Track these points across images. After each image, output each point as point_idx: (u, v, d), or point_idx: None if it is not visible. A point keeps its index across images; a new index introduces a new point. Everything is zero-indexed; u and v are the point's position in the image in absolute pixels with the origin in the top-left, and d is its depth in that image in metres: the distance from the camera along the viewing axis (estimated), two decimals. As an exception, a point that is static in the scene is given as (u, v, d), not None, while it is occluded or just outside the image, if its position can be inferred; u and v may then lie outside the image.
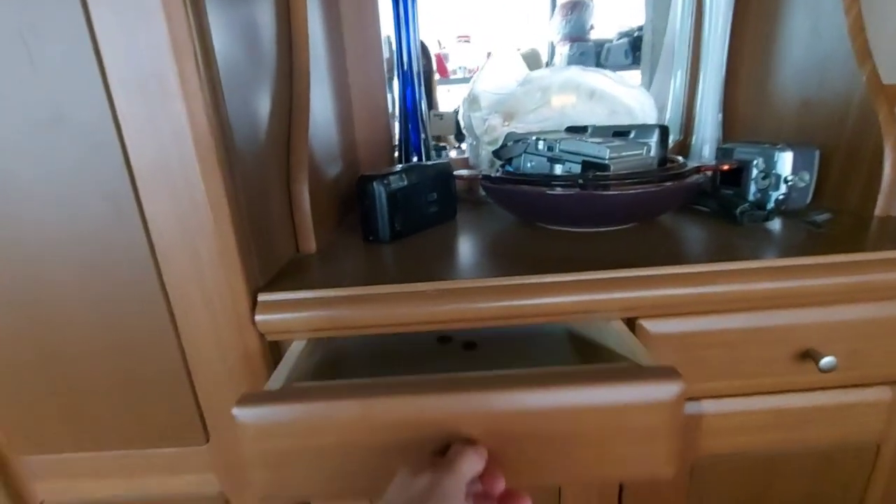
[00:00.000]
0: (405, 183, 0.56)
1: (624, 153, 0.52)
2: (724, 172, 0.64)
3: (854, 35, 0.56)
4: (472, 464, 0.31)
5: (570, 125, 0.67)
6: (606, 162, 0.51)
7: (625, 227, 0.56)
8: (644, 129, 0.58)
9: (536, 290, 0.42)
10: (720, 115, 0.76)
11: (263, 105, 0.47)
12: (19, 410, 0.45)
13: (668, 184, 0.52)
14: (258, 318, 0.42)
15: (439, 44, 1.00)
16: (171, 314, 0.42)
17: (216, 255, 0.40)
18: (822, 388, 0.48)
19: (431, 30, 0.89)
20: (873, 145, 0.54)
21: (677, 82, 0.82)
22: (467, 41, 1.01)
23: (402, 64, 0.69)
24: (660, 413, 0.34)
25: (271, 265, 0.47)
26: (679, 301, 0.43)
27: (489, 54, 0.88)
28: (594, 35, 0.99)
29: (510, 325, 0.44)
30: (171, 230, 0.40)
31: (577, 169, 0.54)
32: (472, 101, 0.71)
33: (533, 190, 0.53)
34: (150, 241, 0.40)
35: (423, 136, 0.72)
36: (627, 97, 0.72)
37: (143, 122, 0.37)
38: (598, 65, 0.97)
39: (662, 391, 0.34)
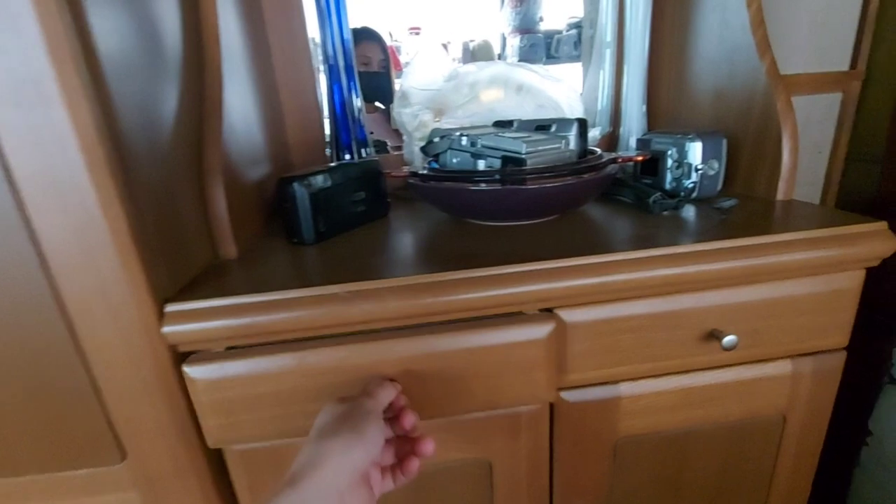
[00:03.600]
0: (329, 183, 0.56)
1: (541, 147, 0.54)
2: (643, 163, 0.66)
3: (755, 27, 0.59)
4: (387, 392, 0.39)
5: (497, 120, 0.67)
6: (523, 156, 0.52)
7: (548, 218, 0.58)
8: (564, 123, 0.59)
9: (450, 287, 0.43)
10: (644, 108, 0.79)
11: (167, 106, 0.46)
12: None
13: (585, 176, 0.53)
14: (165, 329, 0.41)
15: (391, 36, 0.98)
16: (71, 329, 0.40)
17: (118, 267, 0.39)
18: (727, 366, 0.51)
19: (383, 22, 0.87)
20: (775, 133, 0.57)
21: (605, 76, 0.84)
22: (418, 33, 1.00)
23: (328, 59, 0.68)
24: (537, 348, 0.45)
25: (183, 273, 0.46)
26: (589, 290, 0.44)
27: (441, 46, 0.87)
28: (544, 27, 1.00)
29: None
30: (67, 244, 0.38)
31: (498, 164, 0.54)
32: (402, 97, 0.71)
33: (455, 186, 0.54)
34: (40, 257, 0.38)
35: (354, 133, 0.72)
36: (554, 91, 0.73)
37: (23, 131, 0.35)
38: (549, 56, 0.98)
39: (538, 331, 0.44)
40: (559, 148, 0.55)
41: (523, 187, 0.51)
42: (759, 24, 0.59)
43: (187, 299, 0.42)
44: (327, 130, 0.76)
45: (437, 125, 0.72)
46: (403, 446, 0.40)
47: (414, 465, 0.39)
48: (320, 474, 0.31)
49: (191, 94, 0.50)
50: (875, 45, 0.92)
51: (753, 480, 0.59)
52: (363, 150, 0.78)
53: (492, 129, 0.61)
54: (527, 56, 0.93)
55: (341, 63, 0.69)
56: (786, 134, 0.56)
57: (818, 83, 0.93)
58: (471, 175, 0.54)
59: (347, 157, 0.73)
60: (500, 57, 0.96)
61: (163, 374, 0.42)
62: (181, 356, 0.43)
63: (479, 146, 0.56)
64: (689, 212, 0.57)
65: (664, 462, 0.55)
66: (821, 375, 0.53)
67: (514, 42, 1.01)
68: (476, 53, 0.91)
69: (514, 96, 0.71)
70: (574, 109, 0.74)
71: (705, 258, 0.45)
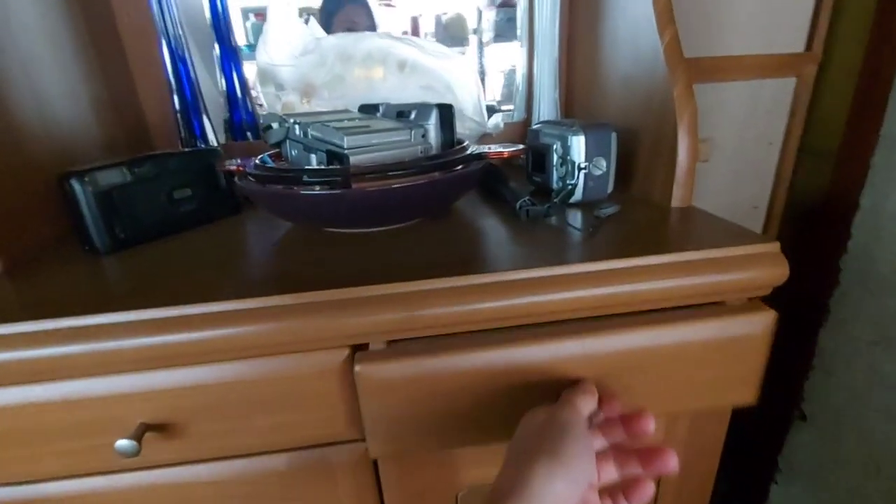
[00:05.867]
0: (128, 178, 0.46)
1: (377, 140, 0.44)
2: (535, 158, 0.56)
3: (657, -4, 0.48)
4: (585, 399, 0.33)
5: (364, 103, 0.57)
6: (345, 152, 0.42)
7: (410, 223, 0.49)
8: (424, 110, 0.49)
9: (203, 322, 0.34)
10: (556, 94, 0.69)
11: None
12: None
13: (437, 175, 0.44)
14: None
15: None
16: None
17: None
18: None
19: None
20: (671, 127, 0.47)
21: (521, 56, 0.74)
22: (390, 5, 0.89)
23: (167, 31, 0.57)
24: (329, 379, 0.37)
25: None
26: (396, 326, 0.35)
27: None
28: (523, -1, 0.89)
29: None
30: None
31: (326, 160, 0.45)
32: (262, 75, 0.61)
33: (268, 190, 0.44)
34: None
35: (206, 118, 0.62)
36: (445, 70, 0.63)
37: None
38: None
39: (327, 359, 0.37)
40: (406, 140, 0.46)
41: (344, 191, 0.41)
42: (662, -9, 0.49)
43: None
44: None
45: (306, 108, 0.62)
46: (629, 459, 0.32)
47: (645, 490, 0.31)
48: None
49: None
50: (834, 23, 0.82)
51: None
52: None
53: (334, 116, 0.51)
54: (503, 31, 0.83)
55: (173, 32, 0.58)
56: (682, 128, 0.46)
57: (767, 66, 0.83)
58: (286, 175, 0.44)
59: (202, 146, 0.63)
60: (474, 32, 0.84)
61: None
62: None
63: (309, 137, 0.46)
64: (564, 219, 0.47)
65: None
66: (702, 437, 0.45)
67: (489, 15, 0.90)
68: (448, 27, 0.81)
69: (395, 75, 0.61)
70: (470, 92, 0.64)
71: (538, 287, 0.36)
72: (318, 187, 0.42)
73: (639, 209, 0.49)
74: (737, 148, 0.89)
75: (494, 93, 0.86)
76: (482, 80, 0.78)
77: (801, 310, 0.52)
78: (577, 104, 0.70)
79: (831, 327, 0.50)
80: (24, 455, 0.37)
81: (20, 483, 0.39)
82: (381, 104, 0.55)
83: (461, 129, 0.65)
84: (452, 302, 0.35)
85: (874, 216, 0.49)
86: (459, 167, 0.45)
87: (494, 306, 0.35)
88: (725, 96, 0.84)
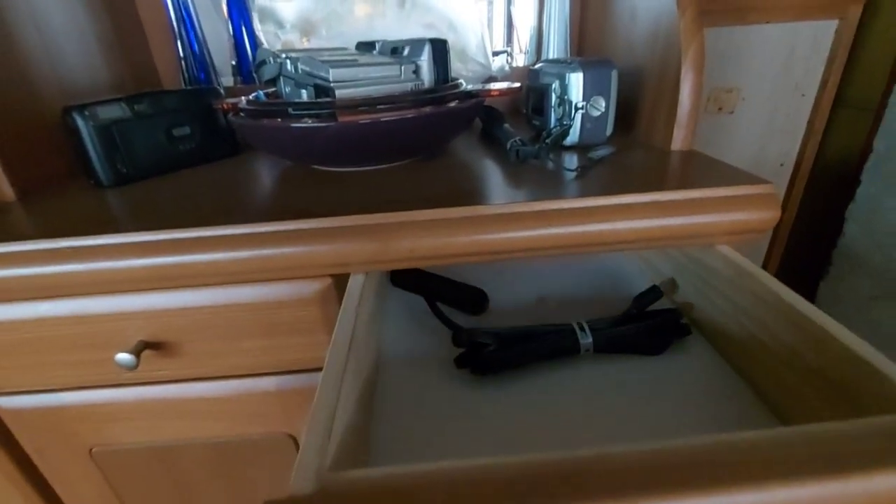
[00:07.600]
0: (128, 114, 0.47)
1: (365, 75, 0.43)
2: (536, 99, 0.54)
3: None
4: None
5: (362, 41, 0.56)
6: (330, 85, 0.41)
7: (402, 162, 0.49)
8: (417, 45, 0.48)
9: (192, 245, 0.35)
10: (568, 35, 0.66)
11: None
12: None
13: (427, 109, 0.43)
14: None
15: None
16: None
17: None
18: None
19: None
20: (675, 63, 0.45)
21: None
22: None
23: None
24: (310, 306, 0.38)
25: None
26: (374, 257, 0.36)
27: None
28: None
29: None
30: None
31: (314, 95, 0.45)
32: (261, 13, 0.60)
33: (257, 124, 0.44)
34: None
35: (209, 55, 0.62)
36: (448, 8, 0.60)
37: None
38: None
39: (306, 288, 0.38)
40: (396, 76, 0.45)
41: (331, 123, 0.41)
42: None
43: None
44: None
45: (306, 46, 0.61)
46: None
47: None
48: None
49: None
50: (887, -43, 0.74)
51: None
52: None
53: (327, 53, 0.50)
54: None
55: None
56: (687, 63, 0.44)
57: (806, 6, 0.76)
58: (273, 109, 0.44)
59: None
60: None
61: None
62: None
63: (299, 71, 0.46)
64: (555, 161, 0.46)
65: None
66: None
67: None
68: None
69: (395, 12, 0.59)
70: (474, 31, 0.61)
71: (507, 222, 0.36)
72: (308, 120, 0.42)
73: (636, 152, 0.47)
74: (766, 99, 0.84)
75: (523, 44, 0.82)
76: (509, 29, 0.75)
77: (803, 261, 0.49)
78: (588, 48, 0.66)
79: (832, 279, 0.47)
80: (33, 363, 0.40)
81: (34, 391, 0.42)
82: (379, 41, 0.54)
83: (465, 70, 0.63)
84: (424, 234, 0.35)
85: (888, 161, 0.45)
86: (451, 104, 0.44)
87: (464, 241, 0.35)
88: (755, 41, 0.79)
